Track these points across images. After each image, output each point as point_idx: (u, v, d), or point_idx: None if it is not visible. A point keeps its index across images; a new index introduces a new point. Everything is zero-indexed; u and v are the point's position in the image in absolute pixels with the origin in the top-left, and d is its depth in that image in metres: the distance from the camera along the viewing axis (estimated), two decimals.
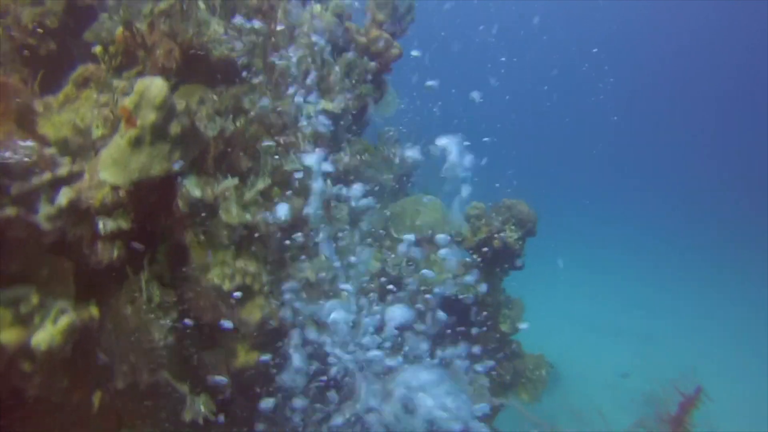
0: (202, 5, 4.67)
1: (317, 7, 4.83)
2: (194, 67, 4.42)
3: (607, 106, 40.47)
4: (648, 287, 19.97)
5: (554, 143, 40.20)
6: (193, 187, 3.49)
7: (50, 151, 3.71)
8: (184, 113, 3.59)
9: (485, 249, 7.31)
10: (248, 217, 3.65)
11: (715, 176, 38.36)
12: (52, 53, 5.30)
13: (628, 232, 27.97)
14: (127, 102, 3.41)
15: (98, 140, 4.01)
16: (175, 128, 3.48)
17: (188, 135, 3.57)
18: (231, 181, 3.59)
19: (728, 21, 31.76)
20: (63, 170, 3.63)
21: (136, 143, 3.44)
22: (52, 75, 5.20)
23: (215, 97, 3.98)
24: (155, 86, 3.39)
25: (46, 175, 3.57)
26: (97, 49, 4.57)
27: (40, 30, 5.14)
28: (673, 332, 15.92)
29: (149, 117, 3.40)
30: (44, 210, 3.48)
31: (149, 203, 3.65)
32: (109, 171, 3.50)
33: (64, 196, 3.46)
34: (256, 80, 4.31)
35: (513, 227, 8.04)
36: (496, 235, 7.87)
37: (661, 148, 42.46)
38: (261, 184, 3.78)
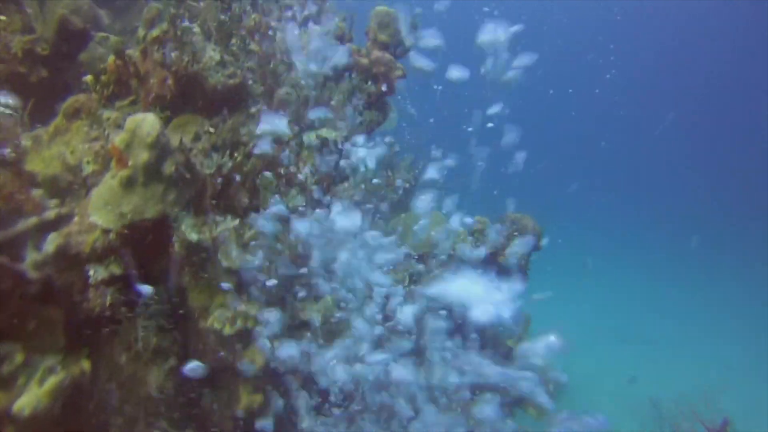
0: (197, 30, 4.42)
1: (317, 29, 4.57)
2: (189, 96, 4.16)
3: (613, 98, 39.28)
4: (651, 290, 19.68)
5: (559, 135, 39.09)
6: (189, 230, 3.22)
7: (37, 192, 3.45)
8: (179, 150, 3.33)
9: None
10: (249, 258, 3.38)
11: (716, 179, 37.64)
12: (44, 80, 5.04)
13: (629, 235, 27.62)
14: (118, 141, 3.15)
15: (89, 176, 3.75)
16: (169, 167, 3.22)
17: (183, 174, 3.30)
18: (229, 223, 3.33)
19: (735, 14, 30.59)
20: (51, 213, 3.37)
21: (128, 184, 3.18)
22: (44, 102, 4.97)
23: (212, 129, 3.72)
24: (147, 123, 3.13)
25: (33, 220, 3.31)
26: (88, 78, 4.31)
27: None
28: (678, 337, 15.62)
29: (141, 156, 3.14)
30: (31, 257, 3.22)
31: (144, 245, 3.38)
32: (100, 213, 3.23)
33: (52, 243, 3.20)
34: (254, 109, 4.04)
35: (516, 242, 7.79)
36: (500, 253, 7.63)
37: (666, 145, 41.32)
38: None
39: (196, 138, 3.57)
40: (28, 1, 4.92)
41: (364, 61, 4.74)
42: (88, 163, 3.77)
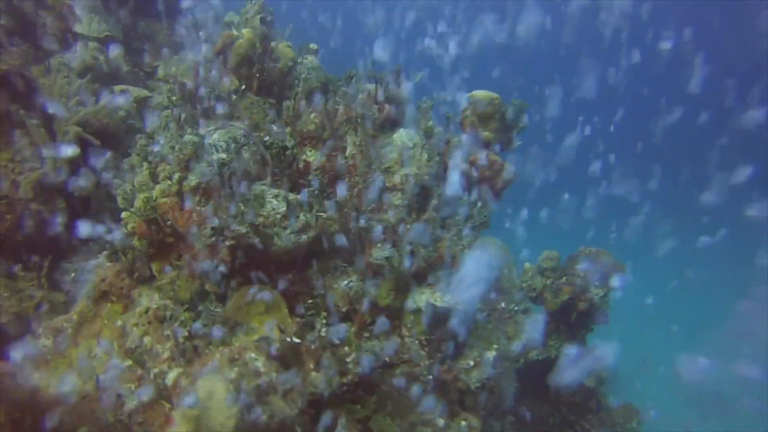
0: (247, 156, 3.02)
1: (404, 135, 3.14)
2: (249, 260, 2.83)
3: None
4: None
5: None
6: None
7: None
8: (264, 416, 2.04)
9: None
10: None
11: None
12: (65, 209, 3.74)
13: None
14: None
15: (133, 414, 2.51)
16: None
17: None
18: None
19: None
20: None
21: None
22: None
23: (295, 339, 2.41)
24: (216, 416, 1.84)
25: None
26: (116, 246, 2.97)
27: None
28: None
29: None
30: None
31: None
32: None
33: None
34: (345, 284, 2.71)
35: (597, 283, 6.44)
36: (581, 296, 6.31)
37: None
38: None
39: (285, 394, 2.25)
40: (35, 130, 3.55)
41: (463, 167, 3.33)
42: (131, 393, 2.51)
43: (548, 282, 6.05)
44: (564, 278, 6.05)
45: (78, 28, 5.80)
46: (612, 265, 6.74)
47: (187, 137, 2.85)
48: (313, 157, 3.27)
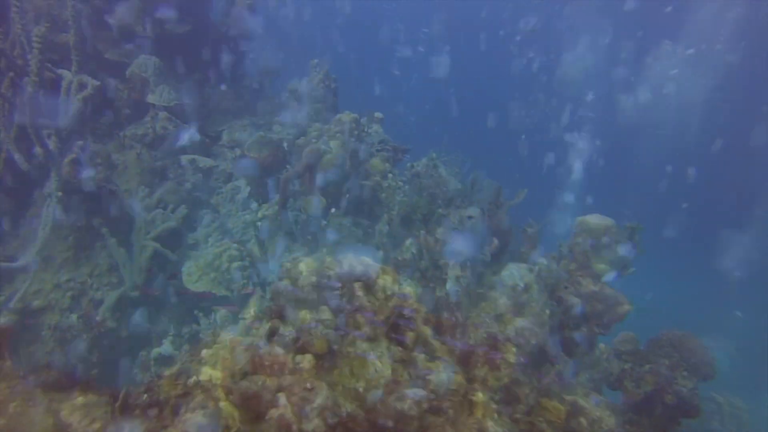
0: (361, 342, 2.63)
1: (514, 273, 2.70)
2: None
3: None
4: None
5: None
6: None
7: None
8: None
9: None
10: None
11: None
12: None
13: None
14: None
15: None
16: None
17: None
18: None
19: None
20: None
21: None
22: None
23: None
24: None
25: None
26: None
27: None
28: None
29: None
30: None
31: None
32: None
33: None
34: None
35: (685, 373, 5.71)
36: (667, 388, 5.61)
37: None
38: None
39: None
40: (115, 249, 3.29)
41: (573, 299, 2.86)
42: None
43: (627, 367, 5.43)
44: (647, 366, 5.41)
45: (150, 98, 5.67)
46: (700, 351, 6.01)
47: (282, 285, 2.49)
48: (409, 288, 2.87)
